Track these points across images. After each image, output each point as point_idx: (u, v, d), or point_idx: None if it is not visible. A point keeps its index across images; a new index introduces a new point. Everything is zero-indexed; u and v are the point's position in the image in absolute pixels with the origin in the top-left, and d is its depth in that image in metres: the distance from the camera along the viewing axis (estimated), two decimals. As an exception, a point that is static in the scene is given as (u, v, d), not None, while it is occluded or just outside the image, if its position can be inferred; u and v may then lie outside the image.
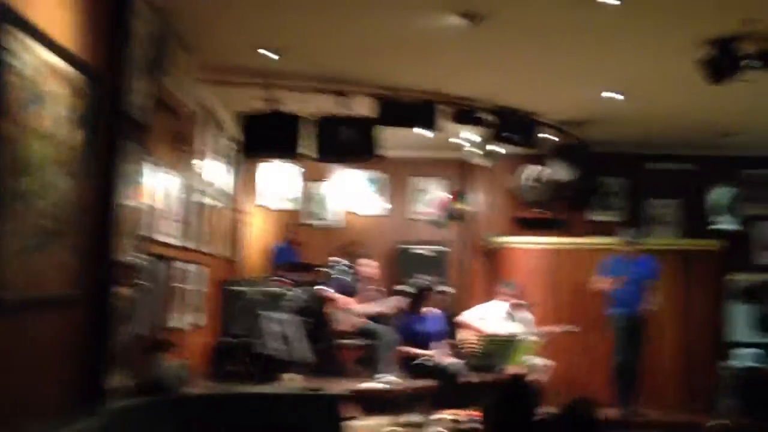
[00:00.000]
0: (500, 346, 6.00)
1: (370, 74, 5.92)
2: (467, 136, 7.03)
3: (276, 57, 5.34)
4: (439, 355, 6.75)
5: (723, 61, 5.00)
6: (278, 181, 9.06)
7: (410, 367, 6.70)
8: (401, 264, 8.78)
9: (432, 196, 9.10)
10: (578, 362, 7.87)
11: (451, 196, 8.77)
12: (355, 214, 9.14)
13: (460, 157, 8.01)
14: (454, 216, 8.81)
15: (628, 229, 7.72)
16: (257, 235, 8.95)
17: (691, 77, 5.21)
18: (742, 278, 8.77)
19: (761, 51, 4.98)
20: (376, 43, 5.23)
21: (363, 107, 6.09)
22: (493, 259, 8.65)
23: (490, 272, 8.60)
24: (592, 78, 6.01)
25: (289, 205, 9.11)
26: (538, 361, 6.99)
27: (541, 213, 8.67)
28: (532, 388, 3.26)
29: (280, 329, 6.86)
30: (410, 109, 6.14)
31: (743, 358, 8.08)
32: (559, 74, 5.88)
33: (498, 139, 6.73)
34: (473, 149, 6.89)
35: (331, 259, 8.08)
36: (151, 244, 4.49)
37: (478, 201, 9.01)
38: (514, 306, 7.18)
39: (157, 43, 4.22)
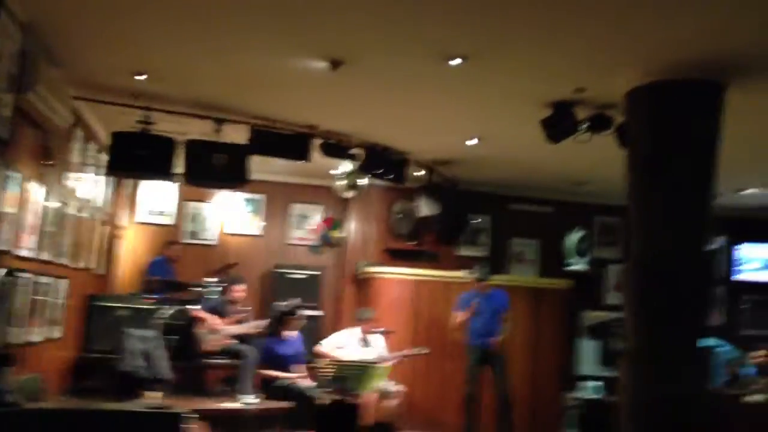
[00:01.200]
0: (353, 372, 6.31)
1: (245, 105, 6.17)
2: (344, 168, 7.38)
3: (145, 79, 5.51)
4: (297, 378, 7.02)
5: (560, 123, 5.57)
6: (158, 198, 9.12)
7: (269, 388, 6.91)
8: (275, 286, 8.99)
9: (310, 222, 9.39)
10: (434, 390, 8.32)
11: (325, 223, 9.08)
12: (232, 234, 9.30)
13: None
14: (328, 242, 9.12)
15: (477, 265, 8.22)
16: (134, 250, 8.95)
17: (539, 132, 5.76)
18: (591, 316, 9.54)
19: (592, 116, 5.60)
20: (247, 77, 5.50)
21: (238, 134, 6.32)
22: (363, 287, 9.02)
23: (360, 299, 8.95)
24: (451, 125, 6.51)
25: (167, 222, 9.18)
26: (391, 386, 7.38)
27: (412, 245, 9.12)
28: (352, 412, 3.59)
29: (142, 346, 6.93)
30: (284, 140, 6.42)
31: (586, 390, 8.73)
32: (421, 119, 6.34)
33: (367, 173, 7.11)
34: (340, 181, 7.22)
35: (204, 279, 8.22)
36: (2, 256, 4.54)
37: (352, 229, 9.37)
38: (368, 332, 7.54)
39: (21, 59, 4.32)
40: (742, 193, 8.50)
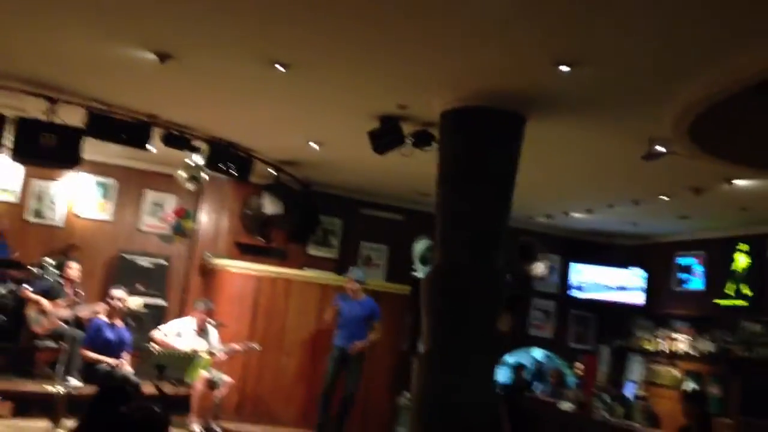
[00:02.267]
0: (174, 361, 6.38)
1: (79, 87, 6.14)
2: (195, 160, 7.42)
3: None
4: (120, 363, 7.03)
5: (386, 136, 5.88)
6: (1, 173, 8.84)
7: (90, 372, 6.88)
8: (120, 272, 8.90)
9: (163, 210, 9.35)
10: (268, 384, 8.51)
11: (176, 213, 9.08)
12: (78, 216, 9.14)
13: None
14: (179, 232, 9.12)
15: (355, 267, 8.53)
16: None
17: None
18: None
19: (416, 132, 5.95)
20: (75, 59, 5.48)
21: (76, 117, 6.29)
22: (210, 278, 9.08)
23: (206, 290, 9.00)
24: (287, 128, 6.73)
25: (10, 199, 8.91)
26: (221, 376, 7.50)
27: (262, 241, 9.26)
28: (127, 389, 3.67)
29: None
30: (122, 126, 6.43)
31: None
32: (256, 120, 6.53)
33: (211, 167, 7.21)
34: (181, 172, 7.29)
35: (43, 259, 8.06)
36: None
37: (203, 221, 9.42)
38: (203, 322, 7.63)
39: None
40: (571, 215, 9.17)
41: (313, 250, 9.65)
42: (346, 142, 6.88)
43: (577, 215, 8.96)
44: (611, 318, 10.64)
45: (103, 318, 7.22)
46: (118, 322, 7.27)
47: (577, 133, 5.80)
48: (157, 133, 6.75)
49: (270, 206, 7.96)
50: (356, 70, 5.04)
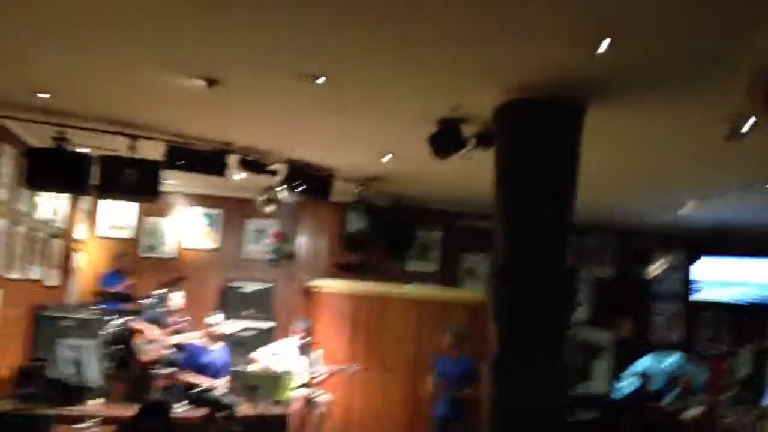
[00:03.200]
0: (268, 380, 6.47)
1: (156, 121, 6.43)
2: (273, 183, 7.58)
3: (49, 97, 5.81)
4: (217, 386, 7.22)
5: (445, 139, 5.67)
6: (117, 213, 9.47)
7: (187, 395, 7.12)
8: (228, 299, 9.24)
9: (266, 236, 9.62)
10: (368, 400, 8.44)
11: (276, 237, 9.30)
12: (189, 249, 9.58)
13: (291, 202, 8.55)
14: (279, 255, 9.34)
15: (451, 326, 7.55)
16: (94, 263, 9.30)
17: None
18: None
19: (478, 133, 5.69)
20: (141, 94, 5.74)
21: (155, 151, 6.60)
22: (310, 299, 9.20)
23: (308, 310, 9.12)
24: (354, 142, 6.66)
25: (126, 236, 9.51)
26: (321, 395, 7.51)
27: (359, 259, 9.27)
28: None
29: (73, 355, 7.21)
30: (200, 156, 6.67)
31: None
32: (319, 137, 6.53)
33: (290, 188, 7.31)
34: (259, 196, 7.44)
35: (155, 291, 8.51)
36: None
37: (303, 243, 9.57)
38: (305, 343, 7.70)
39: None
40: (683, 211, 8.45)
41: (413, 266, 9.53)
42: (415, 152, 6.70)
43: (689, 210, 8.23)
44: (749, 317, 9.67)
45: (199, 342, 7.46)
46: (215, 346, 7.48)
47: (649, 118, 5.33)
48: (234, 160, 6.92)
49: (356, 224, 7.93)
50: (404, 74, 4.89)
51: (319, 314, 8.75)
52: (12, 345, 7.40)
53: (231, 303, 9.10)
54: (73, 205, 8.82)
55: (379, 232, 8.21)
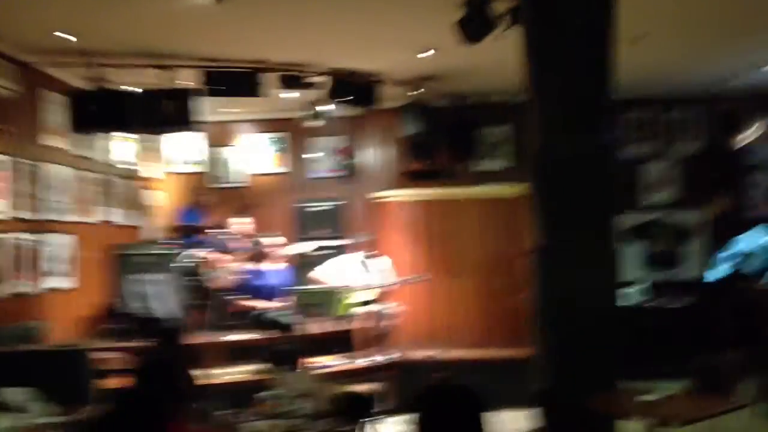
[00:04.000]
0: (323, 296, 6.45)
1: (187, 48, 6.32)
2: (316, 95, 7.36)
3: (74, 39, 5.80)
4: (274, 307, 7.24)
5: (474, 21, 5.23)
6: (186, 148, 9.59)
7: (245, 319, 7.20)
8: (300, 220, 9.28)
9: (328, 154, 9.50)
10: (443, 307, 8.30)
11: (342, 153, 9.17)
12: (259, 174, 9.62)
13: (353, 114, 8.37)
14: (347, 171, 9.25)
15: None
16: (169, 200, 9.52)
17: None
18: (631, 217, 9.01)
19: (510, 9, 5.20)
20: (173, 18, 5.59)
21: (188, 79, 6.53)
22: (379, 211, 9.04)
23: (377, 223, 8.99)
24: (389, 39, 6.27)
25: (198, 170, 9.65)
26: (389, 307, 7.44)
27: (427, 165, 8.97)
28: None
29: (150, 290, 7.46)
30: (233, 79, 6.54)
31: (632, 295, 8.48)
32: (350, 37, 6.19)
33: (335, 99, 7.09)
34: (301, 111, 7.26)
35: (229, 219, 8.64)
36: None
37: (369, 155, 9.39)
38: (369, 256, 7.61)
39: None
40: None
41: (482, 165, 9.14)
42: (458, 43, 6.27)
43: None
44: None
45: (251, 266, 7.48)
46: (269, 268, 7.48)
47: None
48: (269, 79, 6.75)
49: (412, 128, 7.63)
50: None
51: (388, 226, 8.61)
52: (94, 286, 7.71)
53: (304, 224, 9.14)
54: (143, 145, 8.97)
55: (439, 135, 7.87)
